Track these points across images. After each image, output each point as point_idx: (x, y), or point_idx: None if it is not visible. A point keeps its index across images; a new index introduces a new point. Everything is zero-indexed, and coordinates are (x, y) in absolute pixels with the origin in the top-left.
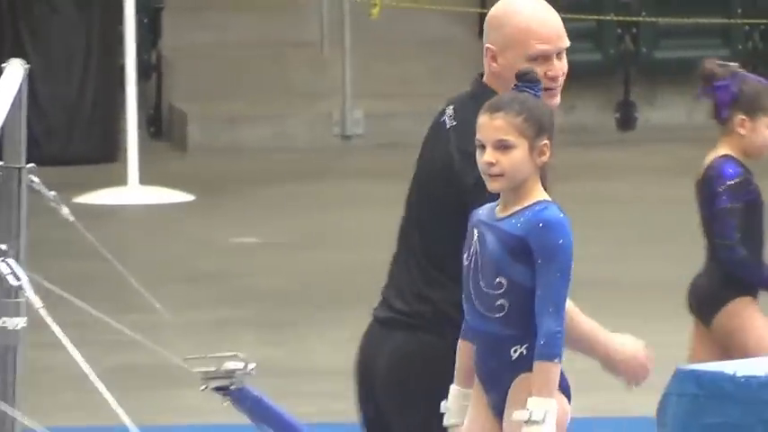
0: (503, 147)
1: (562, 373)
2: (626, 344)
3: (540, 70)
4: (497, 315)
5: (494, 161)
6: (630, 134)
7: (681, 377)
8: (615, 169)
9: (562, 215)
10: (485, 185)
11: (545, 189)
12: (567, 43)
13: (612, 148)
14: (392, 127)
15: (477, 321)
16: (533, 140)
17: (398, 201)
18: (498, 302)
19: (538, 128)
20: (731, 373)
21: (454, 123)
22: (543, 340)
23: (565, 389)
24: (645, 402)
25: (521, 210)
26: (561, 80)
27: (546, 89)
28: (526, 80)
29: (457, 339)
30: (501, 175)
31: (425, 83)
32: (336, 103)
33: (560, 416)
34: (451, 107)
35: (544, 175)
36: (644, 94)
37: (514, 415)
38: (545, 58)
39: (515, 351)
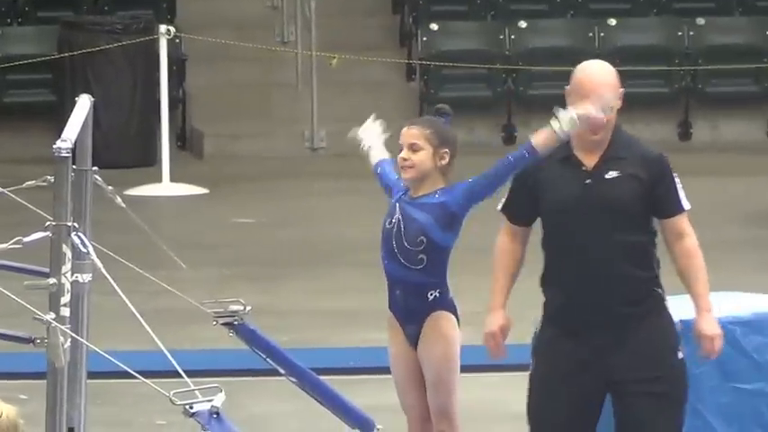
0: (413, 149)
1: (451, 300)
2: None
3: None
4: (418, 267)
5: (407, 157)
6: None
7: None
8: None
9: (459, 186)
10: None
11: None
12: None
13: None
14: (345, 142)
15: (401, 272)
16: (436, 148)
17: (349, 192)
18: (419, 257)
19: (440, 140)
20: None
21: None
22: (524, 160)
23: (453, 313)
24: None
25: (429, 193)
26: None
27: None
28: (440, 113)
29: None
30: (411, 167)
31: (368, 111)
32: (307, 125)
33: (452, 336)
34: None
35: (446, 175)
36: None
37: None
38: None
39: (431, 294)
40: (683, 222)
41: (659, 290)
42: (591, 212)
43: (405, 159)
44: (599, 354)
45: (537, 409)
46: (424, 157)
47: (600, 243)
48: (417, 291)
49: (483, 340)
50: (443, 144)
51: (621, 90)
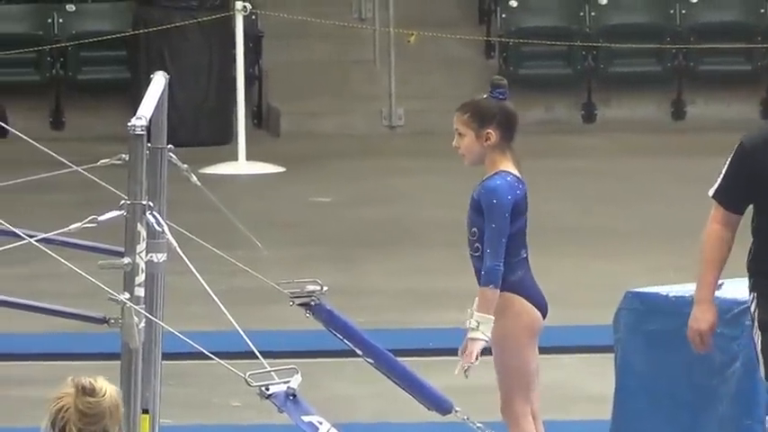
0: (459, 135)
1: (535, 290)
2: None
3: None
4: (476, 254)
5: (457, 145)
6: None
7: (629, 297)
8: None
9: (499, 182)
10: None
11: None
12: None
13: None
14: (424, 120)
15: (471, 260)
16: (478, 130)
17: (427, 171)
18: (475, 245)
19: (480, 121)
20: (664, 294)
21: None
22: (484, 272)
23: (538, 302)
24: (603, 315)
25: (490, 176)
26: None
27: None
28: (493, 85)
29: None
30: (463, 155)
31: (447, 89)
32: (385, 103)
33: (529, 322)
34: None
35: (505, 151)
36: None
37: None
38: None
39: None
40: None
41: None
42: None
43: (457, 148)
44: None
45: None
46: (468, 143)
47: None
48: (477, 273)
49: (689, 334)
50: (484, 124)
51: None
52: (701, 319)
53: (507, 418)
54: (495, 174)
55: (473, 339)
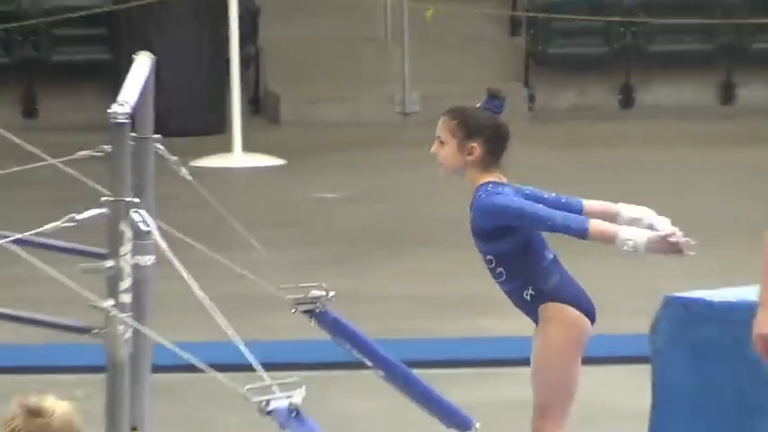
0: (440, 143)
1: (579, 292)
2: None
3: None
4: (501, 279)
5: (434, 152)
6: None
7: (669, 303)
8: None
9: (483, 195)
10: None
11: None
12: None
13: None
14: (443, 106)
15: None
16: (462, 141)
17: None
18: (497, 270)
19: (467, 131)
20: (709, 299)
21: None
22: (570, 232)
23: (585, 308)
24: (639, 324)
25: (475, 197)
26: None
27: None
28: (490, 95)
29: None
30: (439, 164)
31: (467, 71)
32: (398, 87)
33: (576, 333)
34: None
35: (488, 169)
36: None
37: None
38: None
39: (527, 294)
40: None
41: None
42: None
43: (434, 153)
44: None
45: None
46: (449, 153)
47: None
48: (513, 296)
49: (754, 341)
50: (471, 136)
51: None
52: (766, 323)
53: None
54: (478, 191)
55: (647, 237)
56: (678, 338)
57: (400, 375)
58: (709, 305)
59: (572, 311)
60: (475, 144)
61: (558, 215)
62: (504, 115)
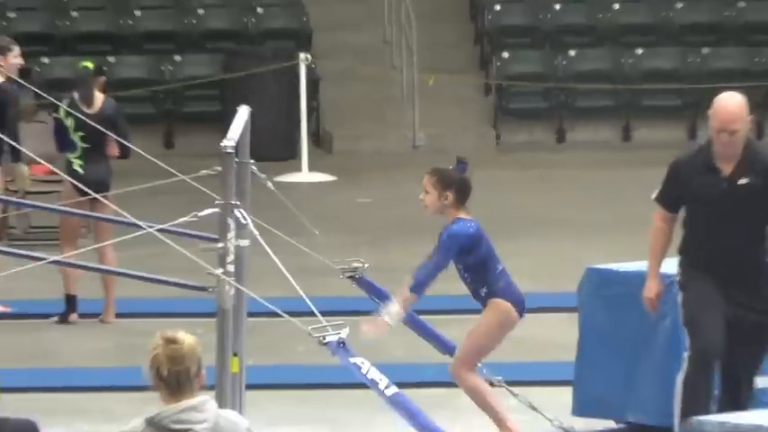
0: (425, 192)
1: (520, 297)
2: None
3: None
4: (467, 281)
5: (421, 198)
6: None
7: (590, 272)
8: None
9: (455, 227)
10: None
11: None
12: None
13: None
14: (439, 142)
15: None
16: (441, 191)
17: None
18: (465, 275)
19: (443, 184)
20: (616, 269)
21: None
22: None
23: (519, 307)
24: (570, 285)
25: (446, 225)
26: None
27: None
28: (459, 161)
29: None
30: (425, 207)
31: (456, 119)
32: (410, 129)
33: (506, 321)
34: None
35: (459, 208)
36: None
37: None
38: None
39: (482, 292)
40: None
41: None
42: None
43: (422, 200)
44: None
45: (698, 316)
46: (431, 200)
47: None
48: (471, 292)
49: (644, 301)
50: (446, 188)
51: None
52: (652, 289)
53: (456, 376)
54: (453, 222)
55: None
56: (596, 295)
57: (410, 319)
58: (616, 273)
59: (507, 305)
60: (449, 193)
61: (431, 272)
62: (476, 153)
